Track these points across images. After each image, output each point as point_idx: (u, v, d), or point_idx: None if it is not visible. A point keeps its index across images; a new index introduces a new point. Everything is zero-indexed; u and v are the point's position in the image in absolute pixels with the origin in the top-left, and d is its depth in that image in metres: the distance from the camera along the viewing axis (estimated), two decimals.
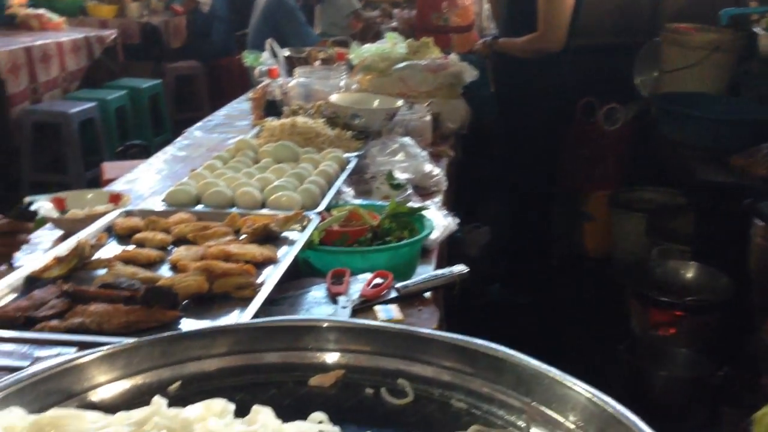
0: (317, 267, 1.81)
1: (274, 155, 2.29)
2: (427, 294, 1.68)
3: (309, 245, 1.79)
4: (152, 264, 1.67)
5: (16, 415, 0.77)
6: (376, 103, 2.77)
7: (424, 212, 1.99)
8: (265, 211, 1.95)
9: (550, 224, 4.09)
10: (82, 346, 1.23)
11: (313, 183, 2.05)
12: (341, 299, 1.60)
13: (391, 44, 3.46)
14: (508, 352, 0.92)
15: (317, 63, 3.64)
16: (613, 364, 3.07)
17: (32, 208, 1.90)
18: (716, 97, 3.88)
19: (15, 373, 0.87)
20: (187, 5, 7.27)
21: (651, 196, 4.29)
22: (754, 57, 3.84)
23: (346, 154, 2.37)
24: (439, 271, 1.70)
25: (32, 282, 1.55)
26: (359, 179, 2.39)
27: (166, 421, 0.77)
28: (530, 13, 3.56)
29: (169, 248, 1.75)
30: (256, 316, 1.40)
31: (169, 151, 3.09)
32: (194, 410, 0.79)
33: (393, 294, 1.63)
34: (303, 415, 0.85)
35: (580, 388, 0.83)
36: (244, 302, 1.46)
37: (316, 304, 1.61)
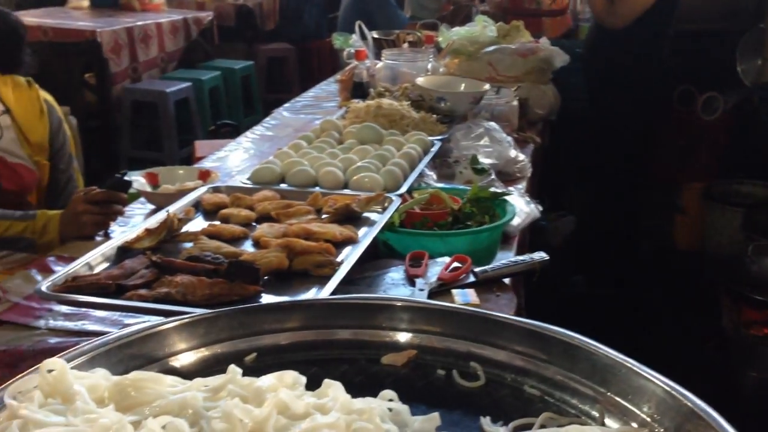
0: (396, 249, 1.81)
1: (358, 136, 2.30)
2: (506, 280, 1.66)
3: (389, 227, 1.79)
4: (236, 239, 1.71)
5: (101, 375, 0.80)
6: (462, 86, 2.74)
7: (506, 198, 1.96)
8: (347, 191, 1.96)
9: (638, 215, 3.97)
10: (168, 315, 1.27)
11: (396, 165, 2.05)
12: (419, 282, 1.60)
13: (481, 27, 3.41)
14: (583, 340, 0.90)
15: (405, 45, 3.64)
16: (702, 363, 2.96)
17: (126, 178, 1.99)
18: None
19: (102, 336, 0.91)
20: None
21: (749, 190, 4.09)
22: None
23: (430, 137, 2.36)
24: (519, 258, 1.68)
25: (124, 252, 1.62)
26: (442, 163, 2.38)
27: (240, 390, 0.79)
28: None
29: (252, 224, 1.79)
30: (333, 294, 1.41)
31: (258, 130, 3.16)
32: (267, 380, 0.81)
33: (471, 279, 1.61)
34: (373, 393, 0.86)
35: (658, 380, 0.80)
36: (323, 280, 1.48)
37: (394, 286, 1.62)
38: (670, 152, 4.20)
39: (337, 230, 1.69)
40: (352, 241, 1.68)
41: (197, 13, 6.62)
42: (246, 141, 3.01)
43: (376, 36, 3.68)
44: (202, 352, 0.95)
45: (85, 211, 1.96)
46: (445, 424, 0.85)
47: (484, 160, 2.37)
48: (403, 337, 1.00)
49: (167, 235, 1.68)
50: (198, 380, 0.82)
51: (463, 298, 1.53)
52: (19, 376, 0.78)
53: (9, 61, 2.21)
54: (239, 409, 0.74)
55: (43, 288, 1.42)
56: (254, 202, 1.88)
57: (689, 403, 0.76)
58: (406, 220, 1.88)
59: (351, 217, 1.78)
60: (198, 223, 1.81)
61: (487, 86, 2.69)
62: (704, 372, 2.93)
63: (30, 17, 5.52)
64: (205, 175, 2.33)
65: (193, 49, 6.44)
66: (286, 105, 3.59)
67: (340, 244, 1.65)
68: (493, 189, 2.01)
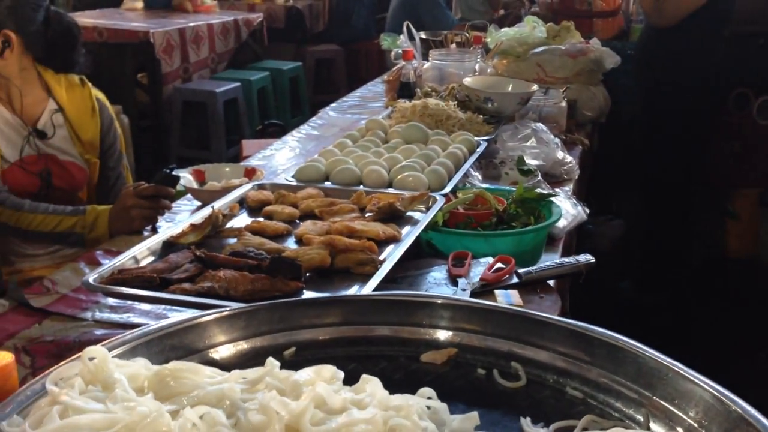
0: (439, 248, 1.80)
1: (403, 136, 2.29)
2: (551, 282, 1.63)
3: (432, 226, 1.78)
4: (279, 236, 1.72)
5: (141, 364, 0.81)
6: (509, 87, 2.71)
7: (552, 199, 1.93)
8: (391, 190, 1.96)
9: (689, 221, 3.87)
10: (210, 309, 1.28)
11: (441, 165, 2.04)
12: (461, 281, 1.58)
13: (530, 28, 3.38)
14: (629, 342, 0.87)
15: (453, 46, 3.62)
16: (753, 372, 2.87)
17: (174, 173, 2.02)
18: None
19: (143, 327, 0.92)
20: None
21: None
22: None
23: (477, 138, 2.33)
24: (565, 259, 1.65)
25: (169, 246, 1.64)
26: (488, 164, 2.35)
27: (277, 382, 0.79)
28: None
29: (296, 222, 1.80)
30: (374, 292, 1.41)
31: (304, 130, 3.17)
32: (305, 374, 0.80)
33: (514, 280, 1.59)
34: (412, 390, 0.85)
35: (706, 384, 0.77)
36: (365, 278, 1.47)
37: (436, 285, 1.60)
38: (724, 157, 4.09)
39: (380, 228, 1.68)
40: (395, 239, 1.67)
41: (248, 14, 6.70)
42: (292, 140, 3.03)
43: (423, 36, 3.66)
44: (241, 345, 0.95)
45: (134, 206, 1.99)
46: (484, 423, 0.84)
47: (531, 162, 2.34)
48: (443, 335, 0.99)
49: (212, 231, 1.70)
50: (236, 372, 0.82)
51: (506, 298, 1.50)
52: (62, 363, 0.79)
53: (63, 61, 2.26)
54: (276, 401, 0.74)
55: (90, 280, 1.44)
56: (298, 200, 1.88)
57: (739, 409, 0.73)
58: (450, 220, 1.86)
59: (394, 216, 1.78)
60: (242, 220, 1.82)
61: (535, 87, 2.65)
62: (756, 382, 2.85)
63: (86, 18, 5.66)
64: (250, 173, 2.34)
65: (242, 50, 6.52)
66: (333, 105, 3.60)
67: (382, 242, 1.64)
68: (539, 190, 1.98)
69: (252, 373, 0.81)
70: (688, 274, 3.92)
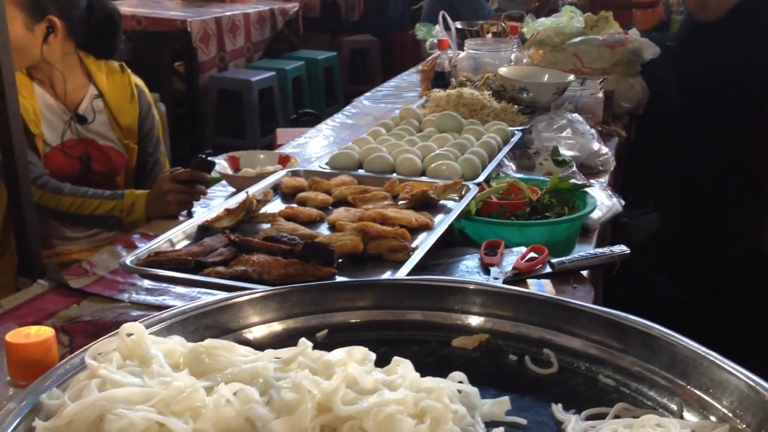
0: (472, 237, 1.79)
1: (437, 125, 2.29)
2: (584, 273, 1.62)
3: (465, 215, 1.78)
4: (312, 222, 1.73)
5: (176, 341, 0.83)
6: (545, 77, 2.69)
7: (587, 189, 1.91)
8: (424, 178, 1.95)
9: (728, 216, 3.80)
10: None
11: (475, 154, 2.03)
12: (493, 270, 1.57)
13: (568, 18, 3.34)
14: (663, 331, 0.87)
15: (489, 36, 3.59)
16: None
17: (210, 159, 2.04)
18: None
19: (180, 306, 0.94)
20: None
21: None
22: None
23: (511, 128, 2.32)
24: (599, 250, 1.63)
25: (204, 230, 1.66)
26: (522, 154, 2.34)
27: (310, 362, 0.80)
28: None
29: (329, 208, 1.80)
30: None
31: (338, 118, 3.18)
32: (337, 354, 0.81)
33: (547, 269, 1.58)
34: (443, 374, 0.85)
35: (741, 374, 0.77)
36: (397, 265, 1.48)
37: (468, 274, 1.60)
38: (764, 152, 4.00)
39: (413, 216, 1.68)
40: (427, 227, 1.67)
41: (284, 4, 6.72)
42: (326, 128, 3.04)
43: (459, 26, 3.65)
44: (275, 326, 0.96)
45: (170, 190, 2.01)
46: (515, 409, 0.84)
47: (566, 152, 2.32)
48: (475, 320, 0.99)
49: (246, 216, 1.72)
50: (269, 351, 0.83)
51: (539, 288, 1.50)
52: (100, 338, 0.81)
53: (104, 47, 2.29)
54: (308, 380, 0.74)
55: (127, 262, 1.47)
56: (331, 187, 1.89)
57: None
58: (483, 209, 1.86)
59: (427, 204, 1.77)
60: (276, 206, 1.84)
61: (571, 77, 2.63)
62: None
63: (125, 6, 5.73)
64: (285, 160, 2.36)
65: (278, 40, 6.55)
66: (367, 94, 3.60)
67: (415, 230, 1.64)
68: (573, 180, 1.96)
69: (285, 352, 0.83)
70: (725, 270, 3.85)
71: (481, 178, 1.93)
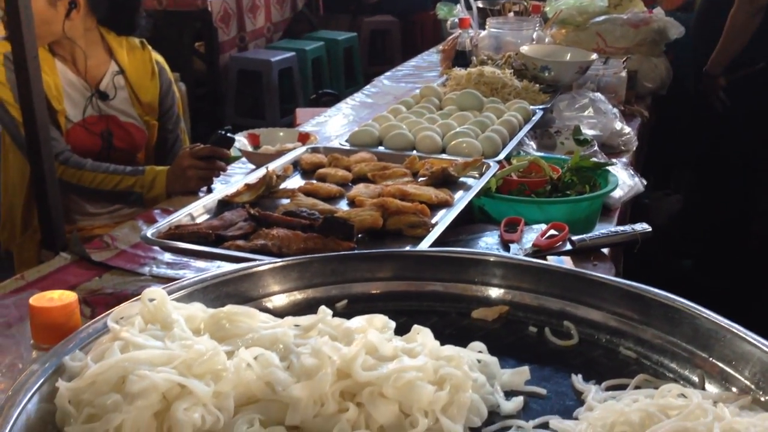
0: (492, 215, 1.78)
1: (458, 103, 2.28)
2: (605, 251, 1.61)
3: (485, 192, 1.77)
4: (332, 198, 1.73)
5: (197, 307, 0.83)
6: (568, 56, 2.66)
7: (609, 168, 1.89)
8: (444, 156, 1.95)
9: (752, 199, 3.75)
10: None
11: (495, 132, 2.02)
12: (513, 247, 1.57)
13: None
14: (685, 303, 0.86)
15: (510, 15, 3.56)
16: None
17: (229, 135, 2.05)
18: None
19: (201, 273, 0.94)
20: None
21: None
22: None
23: (532, 107, 2.30)
24: (620, 228, 1.62)
25: (224, 205, 1.66)
26: (543, 133, 2.32)
27: (330, 329, 0.80)
28: None
29: (348, 185, 1.80)
30: None
31: (358, 97, 3.18)
32: (356, 322, 0.81)
33: (568, 247, 1.57)
34: (462, 345, 0.85)
35: (764, 346, 0.76)
36: (416, 241, 1.47)
37: (488, 250, 1.59)
38: None
39: (432, 193, 1.68)
40: (447, 204, 1.66)
41: None
42: (346, 108, 3.04)
43: (480, 5, 3.61)
44: (295, 296, 0.97)
45: (190, 166, 2.02)
46: (534, 379, 0.84)
47: (588, 132, 2.30)
48: (495, 292, 0.98)
49: (266, 191, 1.72)
50: (289, 318, 0.83)
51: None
52: (123, 304, 0.82)
53: (125, 23, 2.29)
54: (328, 346, 0.75)
55: (148, 234, 1.48)
56: (351, 163, 1.89)
57: None
58: (503, 187, 1.84)
59: (447, 181, 1.77)
60: (295, 182, 1.84)
61: (594, 56, 2.60)
62: None
63: None
64: (304, 138, 2.36)
65: (298, 20, 6.53)
66: (387, 74, 3.59)
67: (435, 206, 1.64)
68: (595, 159, 1.94)
69: (305, 320, 0.83)
70: (747, 255, 3.80)
71: (501, 156, 1.92)
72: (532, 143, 2.23)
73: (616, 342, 0.89)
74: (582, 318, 0.92)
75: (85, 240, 1.82)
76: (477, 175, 1.80)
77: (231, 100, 5.78)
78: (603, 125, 2.35)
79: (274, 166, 1.83)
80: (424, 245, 1.44)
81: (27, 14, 1.65)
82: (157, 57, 2.39)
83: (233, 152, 2.20)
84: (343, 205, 1.70)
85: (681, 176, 4.11)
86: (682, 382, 0.81)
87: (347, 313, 0.95)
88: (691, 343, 0.83)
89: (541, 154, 2.10)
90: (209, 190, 2.05)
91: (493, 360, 0.84)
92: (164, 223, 1.53)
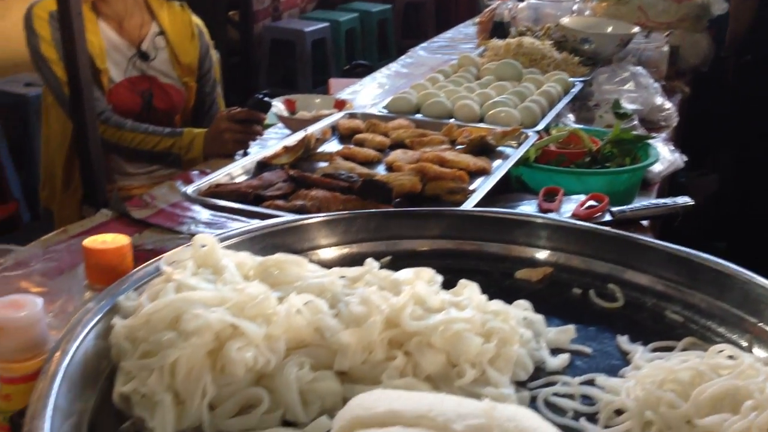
0: (529, 185, 1.77)
1: (496, 73, 2.26)
2: (645, 223, 1.59)
3: (523, 162, 1.76)
4: (369, 163, 1.73)
5: (246, 255, 0.84)
6: (609, 28, 2.62)
7: (650, 142, 1.87)
8: (482, 125, 1.93)
9: None
10: None
11: (534, 102, 2.00)
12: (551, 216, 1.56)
13: None
14: (736, 269, 0.85)
15: None
16: None
17: (266, 99, 2.05)
18: None
19: (247, 224, 0.95)
20: None
21: None
22: None
23: (572, 79, 2.27)
24: (661, 200, 1.60)
25: (262, 167, 1.67)
26: (582, 106, 2.29)
27: (377, 280, 0.80)
28: None
29: (386, 151, 1.80)
30: None
31: (393, 67, 3.16)
32: (404, 274, 0.81)
33: (607, 218, 1.56)
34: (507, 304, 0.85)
35: None
36: (454, 206, 1.47)
37: None
38: None
39: (470, 160, 1.67)
40: (485, 172, 1.66)
41: None
42: (380, 77, 3.02)
43: None
44: (340, 250, 0.97)
45: (227, 129, 2.03)
46: (579, 338, 0.84)
47: (627, 106, 2.27)
48: (539, 253, 0.98)
49: (304, 154, 1.72)
50: (336, 269, 0.84)
51: None
52: (175, 249, 0.83)
53: None
54: (377, 295, 0.75)
55: (189, 192, 1.49)
56: (389, 130, 1.88)
57: None
58: (541, 158, 1.83)
59: (485, 150, 1.76)
60: (333, 146, 1.84)
61: (636, 29, 2.56)
62: None
63: None
64: (340, 105, 2.36)
65: None
66: (423, 45, 3.57)
67: (472, 174, 1.63)
68: (636, 132, 1.92)
69: (352, 271, 0.83)
70: None
71: (540, 127, 1.90)
72: (570, 116, 2.21)
73: (662, 305, 0.89)
74: (628, 281, 0.92)
75: (124, 199, 1.84)
76: (515, 145, 1.79)
77: (263, 70, 5.78)
78: (644, 99, 2.32)
79: (313, 129, 1.83)
80: None
81: None
82: (197, 20, 2.40)
83: (269, 119, 2.20)
84: (380, 170, 1.70)
85: (718, 156, 4.03)
86: (731, 346, 0.80)
87: (391, 269, 0.95)
88: (740, 308, 0.83)
89: (581, 126, 2.08)
90: (245, 154, 2.06)
91: (539, 318, 0.84)
92: (204, 181, 1.54)
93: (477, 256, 0.98)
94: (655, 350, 0.81)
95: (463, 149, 1.75)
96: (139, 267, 0.82)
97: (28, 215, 3.87)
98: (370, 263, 0.84)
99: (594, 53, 2.48)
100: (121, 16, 2.18)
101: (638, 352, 0.79)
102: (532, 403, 0.74)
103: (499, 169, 1.65)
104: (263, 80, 5.79)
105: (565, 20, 2.58)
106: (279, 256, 0.81)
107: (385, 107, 2.08)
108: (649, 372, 0.71)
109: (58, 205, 2.23)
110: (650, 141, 1.89)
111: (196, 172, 1.99)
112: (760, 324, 0.80)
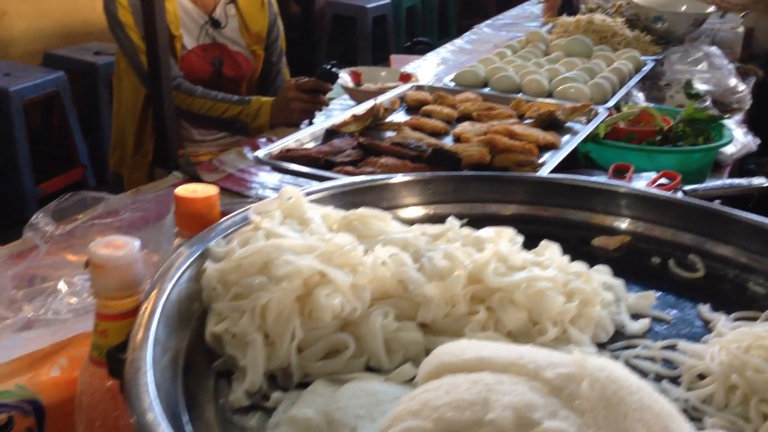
0: (597, 161, 1.75)
1: (565, 49, 2.23)
2: (717, 203, 1.56)
3: (592, 138, 1.74)
4: (437, 134, 1.73)
5: (330, 209, 0.85)
6: (683, 7, 2.56)
7: (724, 122, 1.83)
8: (551, 100, 1.92)
9: None
10: None
11: (605, 79, 1.97)
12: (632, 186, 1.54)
13: None
14: None
15: None
16: None
17: (333, 70, 2.07)
18: None
19: (330, 181, 0.97)
20: None
21: None
22: None
23: (643, 57, 2.23)
24: (735, 180, 1.57)
25: (331, 134, 1.69)
26: (652, 85, 2.25)
27: (459, 237, 0.81)
28: None
29: (453, 123, 1.80)
30: None
31: (457, 43, 3.14)
32: (486, 232, 0.82)
33: (679, 196, 1.53)
34: None
35: None
36: None
37: None
38: None
39: (539, 135, 1.66)
40: (553, 146, 1.65)
41: None
42: (444, 52, 3.01)
43: None
44: (419, 210, 0.98)
45: (294, 98, 2.06)
46: (660, 305, 0.83)
47: (700, 86, 2.22)
48: (617, 222, 0.97)
49: (372, 123, 1.74)
50: (418, 226, 0.85)
51: None
52: (263, 200, 0.85)
53: None
54: (461, 251, 0.76)
55: (261, 155, 1.52)
56: (457, 102, 1.88)
57: None
58: (610, 136, 1.81)
59: (554, 125, 1.75)
60: (400, 117, 1.85)
61: (711, 8, 2.49)
62: None
63: None
64: (405, 78, 2.36)
65: None
66: (487, 22, 3.54)
67: (541, 148, 1.62)
68: (710, 112, 1.88)
69: (434, 228, 0.84)
70: None
71: (610, 104, 1.88)
72: (639, 95, 2.17)
73: (744, 277, 0.87)
74: (709, 252, 0.91)
75: (194, 164, 1.88)
76: (584, 121, 1.77)
77: (324, 45, 5.80)
78: (717, 81, 2.27)
79: (382, 99, 1.84)
80: None
81: None
82: None
83: (333, 91, 2.22)
84: (448, 142, 1.70)
85: None
86: None
87: None
88: None
89: (651, 105, 2.05)
90: (310, 124, 2.08)
91: (619, 282, 0.84)
92: (275, 145, 1.57)
93: (554, 222, 0.98)
94: (737, 320, 0.80)
95: (532, 123, 1.74)
96: (227, 216, 0.85)
97: (93, 181, 3.98)
98: (452, 221, 0.85)
99: (666, 32, 2.43)
100: None
101: (721, 320, 0.79)
102: None
103: (569, 144, 1.64)
104: (323, 56, 5.81)
105: None
106: (363, 211, 0.82)
107: (452, 80, 2.07)
108: (735, 337, 0.71)
109: (129, 169, 2.29)
110: (724, 122, 1.85)
111: (263, 139, 2.02)
112: None
